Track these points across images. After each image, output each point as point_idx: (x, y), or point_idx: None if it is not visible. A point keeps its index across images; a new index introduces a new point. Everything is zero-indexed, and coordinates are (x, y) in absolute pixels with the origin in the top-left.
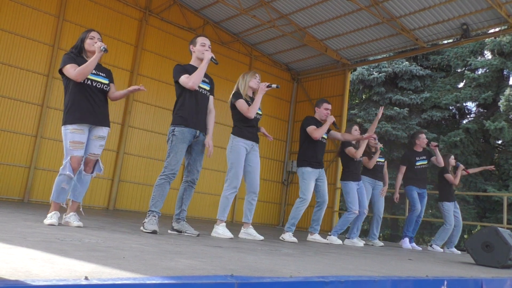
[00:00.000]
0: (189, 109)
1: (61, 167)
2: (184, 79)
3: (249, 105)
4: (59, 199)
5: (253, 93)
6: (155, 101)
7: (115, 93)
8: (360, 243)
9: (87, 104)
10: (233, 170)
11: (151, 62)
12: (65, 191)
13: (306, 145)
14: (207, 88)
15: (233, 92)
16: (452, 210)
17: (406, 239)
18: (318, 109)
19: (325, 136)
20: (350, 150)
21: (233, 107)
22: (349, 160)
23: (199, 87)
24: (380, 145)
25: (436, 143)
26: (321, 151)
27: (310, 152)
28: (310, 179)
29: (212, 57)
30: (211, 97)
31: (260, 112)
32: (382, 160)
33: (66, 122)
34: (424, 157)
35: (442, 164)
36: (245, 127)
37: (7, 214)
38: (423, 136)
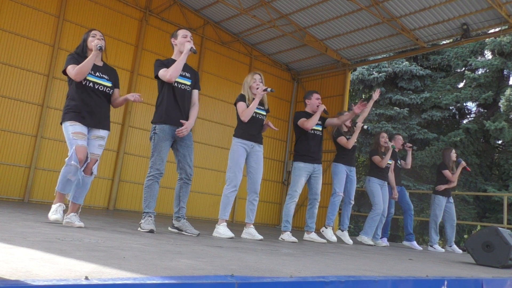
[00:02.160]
0: (168, 106)
1: (66, 158)
2: (162, 73)
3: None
4: (64, 190)
5: (249, 97)
6: (155, 101)
7: (116, 101)
8: (350, 241)
9: (86, 107)
10: (232, 169)
11: (151, 62)
12: (71, 183)
13: (300, 140)
14: (188, 83)
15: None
16: (443, 205)
17: (384, 239)
18: (309, 101)
19: (319, 128)
20: (341, 140)
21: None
22: (342, 148)
23: (178, 82)
24: (391, 144)
25: (410, 145)
26: (315, 144)
27: (303, 146)
28: (300, 175)
29: (191, 48)
30: (194, 91)
31: (264, 113)
32: (390, 162)
33: (65, 119)
34: (397, 158)
35: (409, 167)
36: (244, 128)
37: (7, 214)
38: (399, 137)
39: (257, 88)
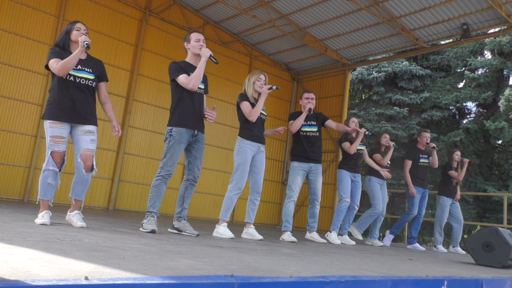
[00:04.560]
0: (187, 110)
1: (44, 164)
2: (183, 80)
3: (253, 107)
4: (46, 196)
5: (259, 95)
6: (155, 101)
7: (106, 105)
8: (352, 241)
9: (68, 102)
10: (239, 172)
11: (151, 62)
12: (52, 187)
13: (294, 140)
14: (202, 87)
15: (241, 92)
16: (447, 206)
17: (391, 237)
18: (301, 101)
19: (313, 129)
20: (345, 145)
21: (239, 108)
22: (346, 153)
23: None
24: (392, 143)
25: (433, 145)
26: (310, 145)
27: (297, 146)
28: (296, 174)
29: (211, 55)
30: (204, 96)
31: (265, 113)
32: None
33: (45, 116)
34: (426, 156)
35: (436, 166)
36: (251, 128)
37: (7, 214)
38: (425, 134)
39: (261, 87)
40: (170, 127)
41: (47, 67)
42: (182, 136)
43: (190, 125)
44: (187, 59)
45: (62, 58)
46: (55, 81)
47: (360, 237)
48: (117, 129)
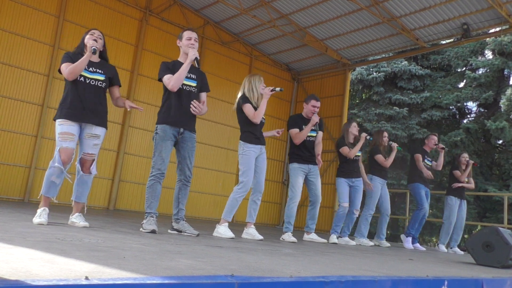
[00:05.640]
0: (172, 108)
1: (51, 160)
2: (165, 80)
3: (255, 110)
4: (49, 193)
5: (258, 98)
6: (155, 101)
7: (117, 101)
8: (352, 242)
9: (78, 102)
10: (245, 175)
11: (151, 62)
12: (55, 185)
13: (292, 142)
14: (193, 84)
15: (240, 95)
16: (455, 206)
17: (409, 239)
18: (305, 105)
19: (313, 134)
20: (344, 150)
21: (240, 110)
22: (343, 158)
23: (183, 84)
24: (395, 145)
25: (443, 146)
26: (308, 148)
27: (296, 148)
28: (297, 175)
29: (196, 58)
30: (202, 94)
31: (264, 116)
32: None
33: (56, 116)
34: (430, 159)
35: (440, 168)
36: (253, 132)
37: (7, 214)
38: (433, 137)
39: (263, 89)
40: (156, 125)
41: (59, 71)
42: (166, 132)
43: (174, 123)
44: (179, 58)
45: (72, 62)
46: (68, 82)
47: (372, 243)
48: (134, 105)
